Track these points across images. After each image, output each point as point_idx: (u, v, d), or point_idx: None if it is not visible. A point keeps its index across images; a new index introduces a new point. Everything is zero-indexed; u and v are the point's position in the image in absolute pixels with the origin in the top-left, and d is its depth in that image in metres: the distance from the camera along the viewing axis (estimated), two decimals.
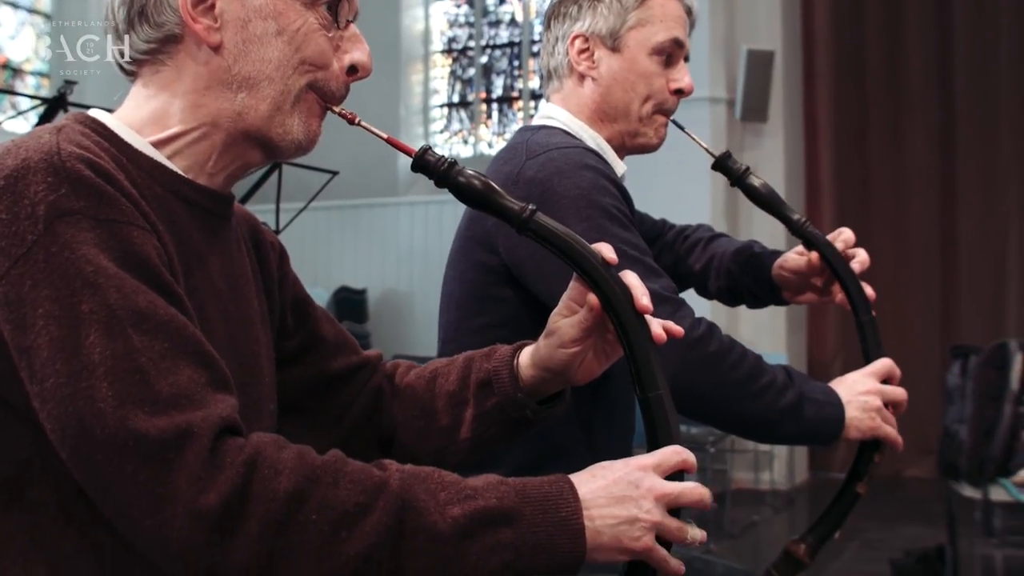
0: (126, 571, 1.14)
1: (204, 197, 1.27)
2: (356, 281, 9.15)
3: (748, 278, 2.15)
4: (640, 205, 2.18)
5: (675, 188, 6.48)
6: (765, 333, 7.14)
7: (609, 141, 1.97)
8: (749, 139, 7.67)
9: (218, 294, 1.27)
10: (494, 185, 1.26)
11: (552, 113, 1.99)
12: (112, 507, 1.04)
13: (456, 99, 10.23)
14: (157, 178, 1.22)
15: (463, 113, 10.21)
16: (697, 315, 1.74)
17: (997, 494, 4.36)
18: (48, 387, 1.04)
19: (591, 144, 1.92)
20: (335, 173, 4.42)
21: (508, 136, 9.93)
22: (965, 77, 8.06)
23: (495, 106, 10.14)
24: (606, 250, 1.26)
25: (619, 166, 1.96)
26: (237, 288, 1.32)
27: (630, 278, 1.26)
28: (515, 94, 10.03)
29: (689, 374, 1.67)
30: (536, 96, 9.73)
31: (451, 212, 8.60)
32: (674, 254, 2.27)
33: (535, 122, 2.00)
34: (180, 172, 1.25)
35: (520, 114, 9.92)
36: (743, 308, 5.63)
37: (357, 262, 9.35)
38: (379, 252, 9.34)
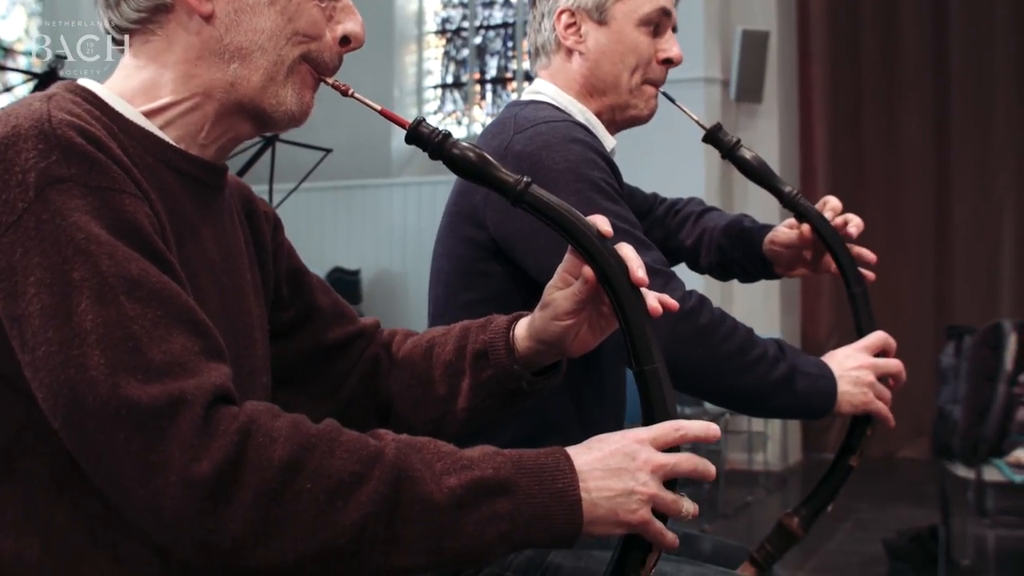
0: (119, 542, 1.13)
1: (196, 167, 1.26)
2: (349, 262, 9.14)
3: (738, 253, 2.15)
4: (633, 181, 2.17)
5: (669, 164, 6.47)
6: (759, 313, 7.14)
7: (599, 115, 1.96)
8: (743, 120, 7.65)
9: (211, 265, 1.26)
10: (489, 157, 1.26)
11: (541, 88, 1.98)
12: (104, 476, 1.03)
13: (450, 80, 10.19)
14: (148, 148, 1.21)
15: (457, 94, 10.17)
16: (688, 289, 1.73)
17: (990, 474, 4.37)
18: (40, 355, 1.03)
19: (580, 118, 1.91)
20: (328, 151, 4.40)
21: None
22: (960, 60, 8.04)
23: (489, 87, 10.10)
24: (601, 223, 1.25)
25: (608, 140, 1.95)
26: (230, 259, 1.31)
27: (626, 251, 1.25)
28: (509, 75, 10.00)
29: (679, 346, 1.66)
30: (530, 77, 9.67)
31: (444, 193, 8.47)
32: (665, 228, 2.26)
33: (524, 97, 1.99)
34: (172, 142, 1.24)
35: (514, 95, 9.88)
36: (737, 287, 5.62)
37: (351, 243, 9.34)
38: (372, 233, 9.32)
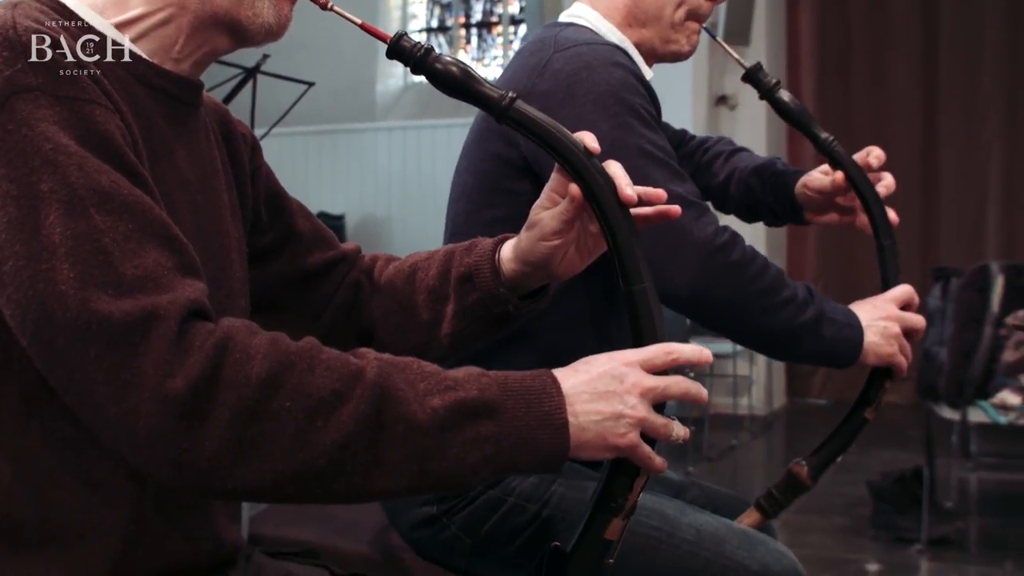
0: (91, 467, 1.11)
1: (170, 83, 1.21)
2: (334, 207, 9.09)
3: (770, 196, 2.11)
4: None
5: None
6: None
7: (638, 46, 1.90)
8: (731, 62, 7.58)
9: (186, 184, 1.22)
10: (473, 72, 1.22)
11: (581, 12, 1.91)
12: (75, 395, 0.99)
13: (435, 24, 10.06)
14: (120, 61, 1.16)
15: (442, 38, 10.05)
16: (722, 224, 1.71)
17: (975, 415, 4.38)
18: (7, 271, 0.99)
19: (620, 45, 1.86)
20: (311, 84, 4.34)
21: (487, 62, 9.86)
22: (949, 4, 7.99)
23: (474, 31, 10.00)
24: (588, 139, 1.22)
25: (647, 71, 1.89)
26: (206, 179, 1.27)
27: (614, 168, 1.22)
28: (495, 19, 9.88)
29: (709, 281, 1.64)
30: (516, 21, 9.61)
31: (429, 137, 8.53)
32: (694, 164, 2.22)
33: (563, 19, 1.93)
34: (144, 56, 1.19)
35: (499, 39, 9.79)
36: None
37: (335, 187, 9.28)
38: (357, 177, 9.26)
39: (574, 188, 1.23)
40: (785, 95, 1.91)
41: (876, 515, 4.66)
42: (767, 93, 1.91)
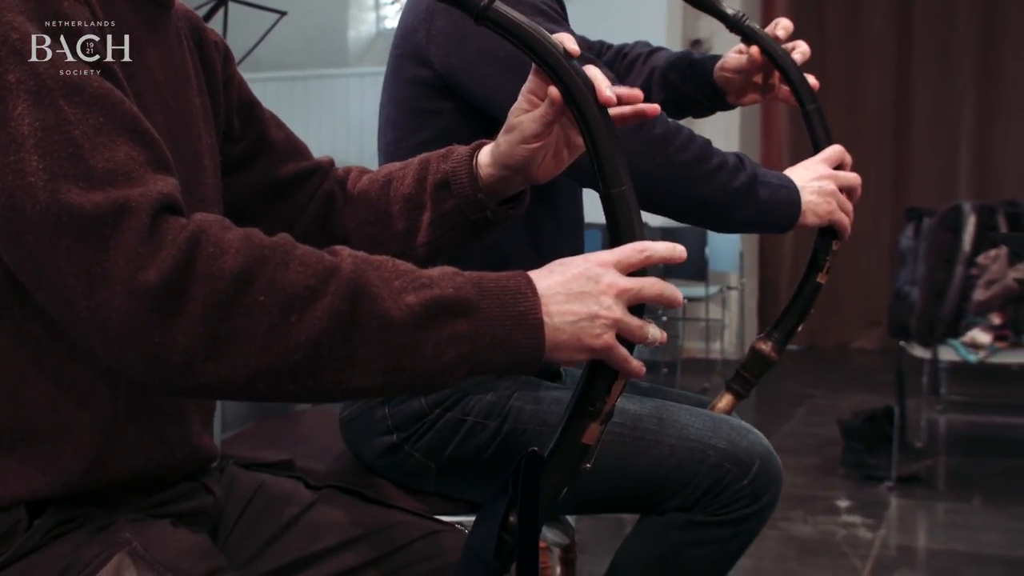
0: (64, 368, 1.09)
1: None
2: None
3: (690, 85, 2.09)
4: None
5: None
6: None
7: None
8: None
9: (157, 86, 1.19)
10: None
11: None
12: (45, 290, 0.97)
13: None
14: None
15: None
16: None
17: (946, 354, 4.42)
18: None
19: None
20: (283, 13, 4.29)
21: None
22: None
23: None
24: (568, 41, 1.20)
25: None
26: (177, 83, 1.24)
27: (592, 70, 1.20)
28: None
29: (634, 159, 1.62)
30: None
31: None
32: (615, 73, 2.20)
33: None
34: None
35: None
36: None
37: (307, 134, 9.03)
38: (329, 124, 9.19)
39: (553, 90, 1.21)
40: None
41: (847, 454, 4.71)
42: None
